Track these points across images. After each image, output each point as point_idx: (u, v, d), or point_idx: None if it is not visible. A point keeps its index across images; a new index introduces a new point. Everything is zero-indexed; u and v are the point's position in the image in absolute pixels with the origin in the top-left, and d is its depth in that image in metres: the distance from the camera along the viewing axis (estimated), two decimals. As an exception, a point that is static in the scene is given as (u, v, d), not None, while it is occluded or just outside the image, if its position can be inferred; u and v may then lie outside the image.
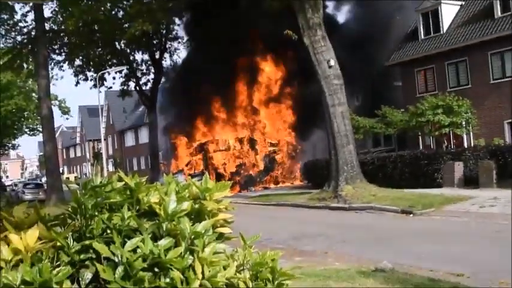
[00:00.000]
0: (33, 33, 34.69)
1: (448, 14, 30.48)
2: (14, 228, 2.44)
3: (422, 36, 31.36)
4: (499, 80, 26.99)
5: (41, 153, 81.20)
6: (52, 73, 39.02)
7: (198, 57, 36.97)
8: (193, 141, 37.46)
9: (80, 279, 2.36)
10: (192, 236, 2.48)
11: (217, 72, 33.02)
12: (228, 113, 37.21)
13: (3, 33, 36.60)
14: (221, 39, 32.94)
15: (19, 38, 36.46)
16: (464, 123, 26.12)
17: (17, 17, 36.58)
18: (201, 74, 34.29)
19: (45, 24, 34.34)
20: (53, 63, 39.10)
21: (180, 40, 42.88)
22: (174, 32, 42.36)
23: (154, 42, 42.36)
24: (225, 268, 2.53)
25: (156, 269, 2.35)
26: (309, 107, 30.71)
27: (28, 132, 59.85)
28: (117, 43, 40.55)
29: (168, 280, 2.33)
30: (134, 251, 2.34)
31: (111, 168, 61.12)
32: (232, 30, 31.93)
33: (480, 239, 11.40)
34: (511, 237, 10.09)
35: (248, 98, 36.93)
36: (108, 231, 2.46)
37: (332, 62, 20.88)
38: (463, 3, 30.67)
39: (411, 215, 16.05)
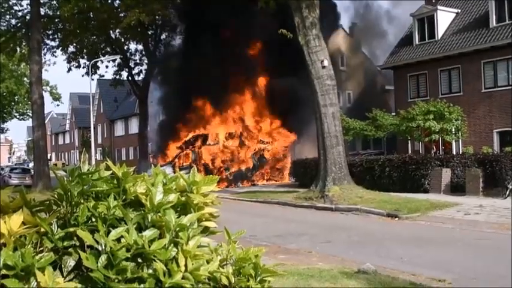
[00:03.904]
0: (27, 17, 34.43)
1: (444, 21, 30.63)
2: (-2, 212, 2.42)
3: (417, 42, 31.50)
4: (491, 89, 27.17)
5: (30, 139, 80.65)
6: (45, 58, 38.89)
7: (191, 49, 36.79)
8: (183, 135, 37.34)
9: (63, 266, 2.36)
10: (177, 229, 2.47)
11: (210, 67, 32.90)
12: (220, 108, 37.07)
13: (-3, 16, 36.36)
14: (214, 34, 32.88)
15: (13, 22, 36.25)
16: (454, 130, 26.28)
17: (13, 0, 36.27)
18: (195, 67, 34.13)
19: (41, 9, 34.09)
20: (46, 49, 38.91)
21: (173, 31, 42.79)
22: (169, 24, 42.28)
23: (149, 32, 42.26)
24: (208, 262, 2.53)
25: (139, 260, 2.35)
26: (303, 104, 30.71)
27: (18, 117, 59.51)
28: (111, 32, 40.41)
29: (150, 271, 2.33)
30: (118, 240, 2.34)
31: (99, 157, 60.83)
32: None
33: (464, 246, 11.47)
34: (511, 245, 10.17)
35: (241, 94, 36.80)
36: (93, 219, 2.45)
37: (326, 63, 20.85)
38: (459, 11, 30.83)
39: (396, 219, 16.14)
